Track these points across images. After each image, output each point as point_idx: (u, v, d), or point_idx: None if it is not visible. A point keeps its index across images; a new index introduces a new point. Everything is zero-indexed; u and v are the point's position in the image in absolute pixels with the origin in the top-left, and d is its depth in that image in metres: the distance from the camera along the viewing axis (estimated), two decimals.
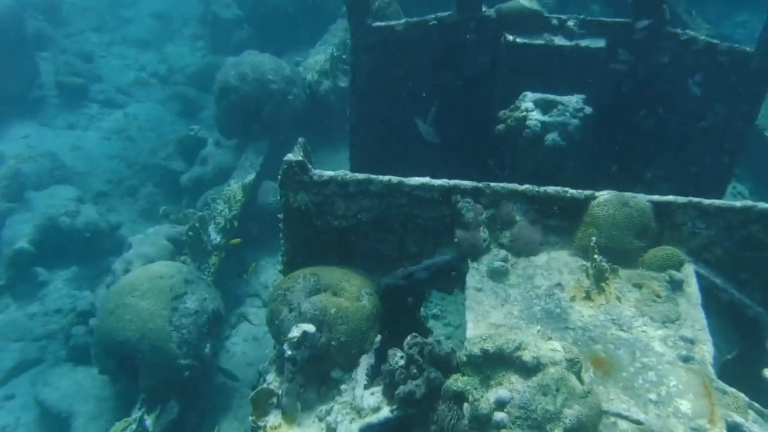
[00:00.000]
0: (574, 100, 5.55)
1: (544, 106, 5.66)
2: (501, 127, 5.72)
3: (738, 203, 3.54)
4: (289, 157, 3.85)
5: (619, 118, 5.94)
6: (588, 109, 5.52)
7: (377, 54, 5.93)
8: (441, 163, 6.57)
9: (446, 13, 5.92)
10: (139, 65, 12.86)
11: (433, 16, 5.92)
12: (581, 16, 5.75)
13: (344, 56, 7.59)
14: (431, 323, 6.34)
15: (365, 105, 6.16)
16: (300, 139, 3.98)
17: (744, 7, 11.80)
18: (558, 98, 5.59)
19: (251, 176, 7.18)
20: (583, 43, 5.67)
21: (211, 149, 8.32)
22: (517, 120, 5.61)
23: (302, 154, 3.91)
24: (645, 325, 3.36)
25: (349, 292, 3.47)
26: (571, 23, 5.73)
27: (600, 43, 5.64)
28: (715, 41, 5.45)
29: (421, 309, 4.45)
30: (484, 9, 5.86)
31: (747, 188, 7.03)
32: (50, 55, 12.27)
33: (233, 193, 6.98)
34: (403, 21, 5.95)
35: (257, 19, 12.38)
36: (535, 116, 5.55)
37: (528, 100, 5.66)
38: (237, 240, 6.50)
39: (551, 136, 5.45)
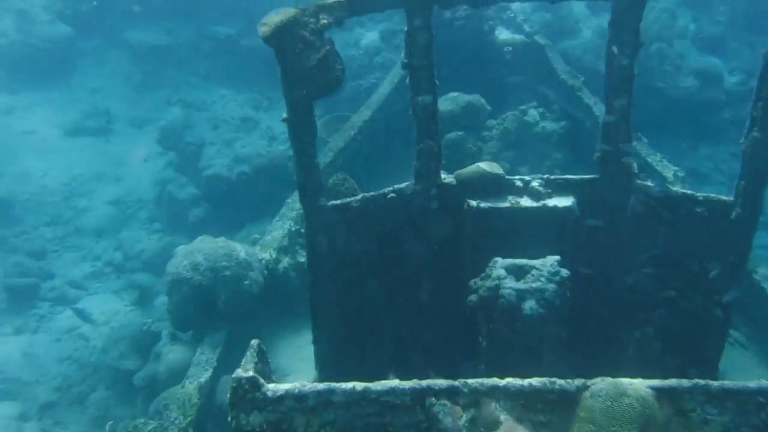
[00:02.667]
0: (548, 263, 5.41)
1: (517, 272, 5.50)
2: (473, 297, 5.53)
3: (752, 384, 3.18)
4: (238, 373, 3.43)
5: (597, 278, 5.77)
6: (564, 272, 5.36)
7: (334, 233, 5.77)
8: (412, 338, 6.27)
9: (404, 185, 5.88)
10: (94, 256, 12.65)
11: (390, 188, 5.88)
12: (545, 176, 5.73)
13: (302, 230, 7.51)
14: None
15: (325, 286, 5.91)
16: (253, 343, 3.59)
17: (708, 139, 12.30)
18: (531, 262, 5.43)
19: (207, 374, 6.71)
20: (551, 202, 5.61)
21: (165, 345, 7.89)
22: (489, 289, 5.42)
23: (255, 362, 3.51)
24: None
25: None
26: (535, 183, 5.71)
27: (568, 201, 5.58)
28: (689, 192, 5.43)
29: None
30: (443, 176, 5.83)
31: (744, 334, 6.76)
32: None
33: (188, 396, 6.45)
34: (359, 197, 5.88)
35: (213, 195, 12.47)
36: (509, 284, 5.39)
37: (499, 267, 5.50)
38: None
39: (528, 305, 5.24)
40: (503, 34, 10.29)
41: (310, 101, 5.16)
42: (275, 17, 4.92)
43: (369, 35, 14.82)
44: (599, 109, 9.19)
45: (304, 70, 4.99)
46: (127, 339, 9.04)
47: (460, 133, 8.91)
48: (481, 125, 9.36)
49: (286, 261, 8.22)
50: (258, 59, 14.04)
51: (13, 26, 16.69)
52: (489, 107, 9.42)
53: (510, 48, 10.14)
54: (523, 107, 9.50)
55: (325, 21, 5.02)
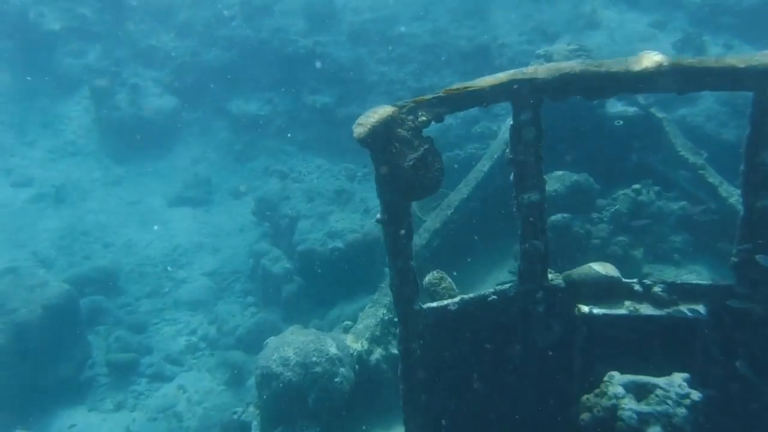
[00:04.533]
0: (676, 383, 4.83)
1: (639, 391, 4.95)
2: (586, 416, 5.02)
3: None
4: None
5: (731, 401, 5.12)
6: (696, 394, 4.76)
7: (430, 338, 5.47)
8: None
9: (506, 285, 5.53)
10: (190, 329, 12.98)
11: (492, 290, 5.54)
12: (669, 280, 5.21)
13: (395, 318, 7.28)
14: None
15: (419, 394, 5.59)
16: None
17: None
18: (655, 381, 4.89)
19: None
20: (677, 311, 5.08)
21: None
22: (605, 409, 4.89)
23: None
24: None
25: None
26: (657, 289, 5.19)
27: (699, 310, 5.03)
28: None
29: None
30: (550, 277, 5.44)
31: None
32: (104, 329, 12.57)
33: None
34: (457, 299, 5.58)
35: (307, 270, 12.52)
36: (629, 405, 4.84)
37: (617, 383, 4.98)
38: None
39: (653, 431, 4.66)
40: (615, 107, 9.81)
41: (406, 202, 4.97)
42: (372, 117, 4.79)
43: None
44: (725, 189, 8.50)
45: (400, 171, 4.81)
46: (217, 427, 9.03)
47: (566, 216, 8.44)
48: (589, 206, 8.85)
49: (378, 352, 7.99)
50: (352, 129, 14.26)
51: (126, 99, 17.98)
52: (598, 186, 8.91)
53: (621, 121, 9.63)
54: (636, 186, 8.92)
55: (424, 118, 4.85)
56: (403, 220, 5.03)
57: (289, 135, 17.10)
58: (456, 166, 12.11)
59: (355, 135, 4.70)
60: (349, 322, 8.94)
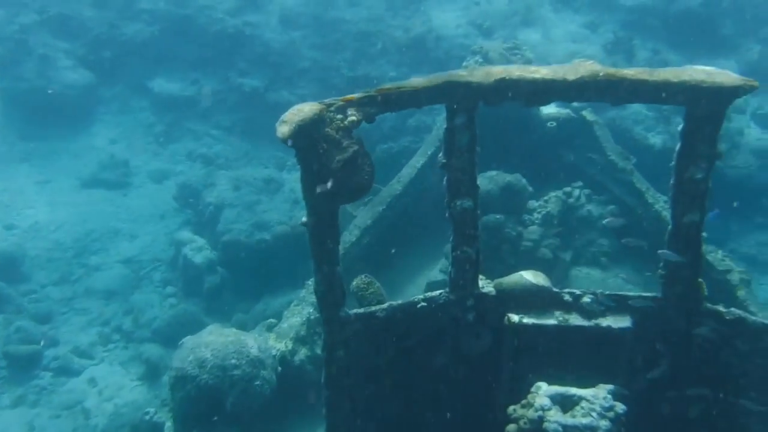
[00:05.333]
0: (601, 395, 4.91)
1: (564, 403, 5.01)
2: (512, 428, 5.05)
3: None
4: None
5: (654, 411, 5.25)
6: (620, 407, 4.85)
7: (356, 345, 5.33)
8: None
9: (437, 292, 5.44)
10: (102, 320, 12.32)
11: (421, 296, 5.45)
12: (599, 291, 5.25)
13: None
14: None
15: (343, 402, 5.46)
16: None
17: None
18: (581, 393, 4.95)
19: None
20: (605, 322, 5.10)
21: None
22: (531, 422, 4.94)
23: None
24: None
25: None
26: (587, 299, 5.22)
27: (625, 322, 5.08)
28: None
29: None
30: (481, 284, 5.39)
31: None
32: (3, 318, 11.79)
33: None
34: (386, 305, 5.45)
35: (231, 261, 12.14)
36: (555, 418, 4.90)
37: (543, 395, 5.01)
38: None
39: None
40: (548, 108, 9.88)
41: (333, 206, 4.78)
42: (297, 114, 4.54)
43: None
44: (652, 195, 8.72)
45: (327, 173, 4.61)
46: (127, 428, 8.62)
47: (498, 217, 8.47)
48: (521, 207, 8.90)
49: (303, 353, 7.79)
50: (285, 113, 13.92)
51: (33, 70, 16.84)
52: (531, 188, 8.97)
53: (554, 123, 9.73)
54: (567, 188, 9.04)
55: (354, 118, 4.65)
56: (329, 224, 4.84)
57: (215, 118, 16.52)
58: (390, 159, 12.00)
59: (278, 134, 4.45)
60: (273, 320, 8.71)
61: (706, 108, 4.47)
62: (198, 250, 12.57)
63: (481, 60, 10.18)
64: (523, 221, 8.74)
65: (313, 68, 16.52)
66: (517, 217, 8.73)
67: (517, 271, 5.54)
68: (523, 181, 8.90)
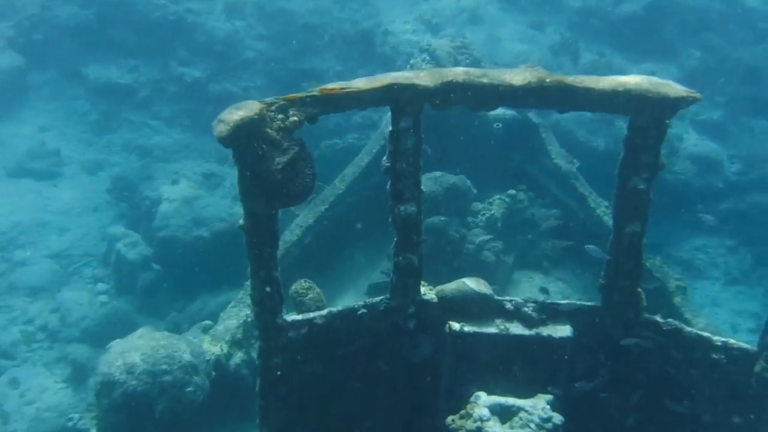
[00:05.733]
0: (539, 406, 4.91)
1: (503, 414, 5.00)
2: None
3: None
4: None
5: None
6: (558, 418, 4.85)
7: (293, 353, 5.16)
8: None
9: (378, 299, 5.33)
10: (26, 318, 11.75)
11: (361, 303, 5.32)
12: (540, 299, 5.24)
13: None
14: None
15: (278, 412, 5.30)
16: None
17: (702, 231, 12.02)
18: (519, 403, 4.93)
19: None
20: (545, 331, 5.09)
21: None
22: None
23: None
24: None
25: None
26: (528, 308, 5.19)
27: (565, 331, 5.08)
28: (706, 334, 4.96)
29: None
30: (423, 291, 5.30)
31: None
32: None
33: None
34: (325, 311, 5.30)
35: (167, 258, 11.75)
36: (493, 429, 4.87)
37: (482, 405, 4.99)
38: None
39: None
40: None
41: (272, 210, 4.59)
42: (235, 113, 4.36)
43: None
44: (594, 200, 8.82)
45: (266, 175, 4.42)
46: None
47: (442, 219, 8.42)
48: (465, 209, 8.88)
49: (238, 356, 7.57)
50: (227, 107, 13.55)
51: None
52: (475, 190, 8.95)
53: (500, 124, 9.73)
54: (512, 191, 9.06)
55: (296, 119, 4.48)
56: (267, 227, 4.66)
57: (154, 108, 15.95)
58: (334, 156, 11.82)
59: (215, 133, 4.27)
60: (209, 322, 8.45)
61: (650, 118, 4.47)
62: (132, 246, 12.11)
63: (428, 58, 10.12)
64: (467, 223, 8.73)
65: (258, 59, 16.14)
66: (461, 219, 8.71)
67: (460, 273, 5.49)
68: (468, 182, 8.88)
